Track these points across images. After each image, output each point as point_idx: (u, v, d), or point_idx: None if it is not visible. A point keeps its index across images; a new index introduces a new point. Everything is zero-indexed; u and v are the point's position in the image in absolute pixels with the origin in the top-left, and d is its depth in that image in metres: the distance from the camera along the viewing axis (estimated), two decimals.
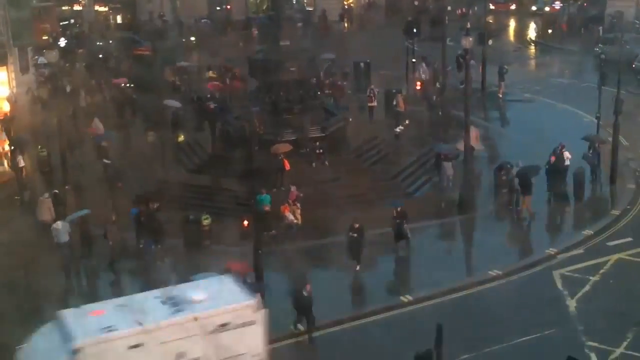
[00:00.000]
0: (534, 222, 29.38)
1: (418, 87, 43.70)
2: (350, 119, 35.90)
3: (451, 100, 39.98)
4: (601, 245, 27.17)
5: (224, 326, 16.99)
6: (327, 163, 32.21)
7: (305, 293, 21.63)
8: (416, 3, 76.07)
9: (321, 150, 32.16)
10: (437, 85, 44.07)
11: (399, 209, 27.13)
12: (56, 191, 30.32)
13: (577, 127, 38.08)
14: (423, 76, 44.42)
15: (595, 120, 35.90)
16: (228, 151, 33.57)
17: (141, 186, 31.22)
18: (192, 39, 63.02)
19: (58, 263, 26.21)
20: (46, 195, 29.22)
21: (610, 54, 41.80)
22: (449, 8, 60.02)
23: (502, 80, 43.43)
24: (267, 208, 28.02)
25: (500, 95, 41.54)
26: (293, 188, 28.95)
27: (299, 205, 28.56)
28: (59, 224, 26.51)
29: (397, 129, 36.43)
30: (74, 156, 35.27)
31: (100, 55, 55.60)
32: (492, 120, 41.20)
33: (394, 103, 39.92)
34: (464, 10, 66.64)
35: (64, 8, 69.03)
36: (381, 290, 24.24)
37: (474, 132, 38.51)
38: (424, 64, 45.26)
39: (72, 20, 69.48)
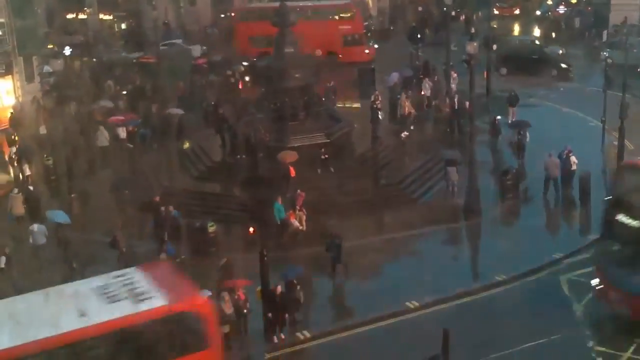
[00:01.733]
0: (539, 228, 29.38)
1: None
2: (356, 125, 35.88)
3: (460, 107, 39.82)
4: None
5: None
6: (332, 169, 32.18)
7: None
8: (420, 9, 76.05)
9: (326, 156, 32.13)
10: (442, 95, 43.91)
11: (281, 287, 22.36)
12: (30, 188, 31.51)
13: (582, 132, 38.10)
14: (426, 93, 43.64)
15: (601, 124, 35.97)
16: (234, 158, 33.62)
17: (147, 194, 31.24)
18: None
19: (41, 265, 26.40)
20: (15, 191, 30.32)
21: (616, 58, 41.67)
22: (453, 13, 60.04)
23: (513, 107, 42.10)
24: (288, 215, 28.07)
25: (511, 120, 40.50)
26: (299, 191, 28.90)
27: (304, 211, 28.55)
28: (34, 227, 26.62)
29: (402, 135, 36.40)
30: (79, 164, 35.30)
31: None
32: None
33: (399, 108, 39.90)
34: (466, 15, 66.58)
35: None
36: (387, 296, 24.17)
37: (408, 100, 38.60)
38: (427, 81, 44.35)
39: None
